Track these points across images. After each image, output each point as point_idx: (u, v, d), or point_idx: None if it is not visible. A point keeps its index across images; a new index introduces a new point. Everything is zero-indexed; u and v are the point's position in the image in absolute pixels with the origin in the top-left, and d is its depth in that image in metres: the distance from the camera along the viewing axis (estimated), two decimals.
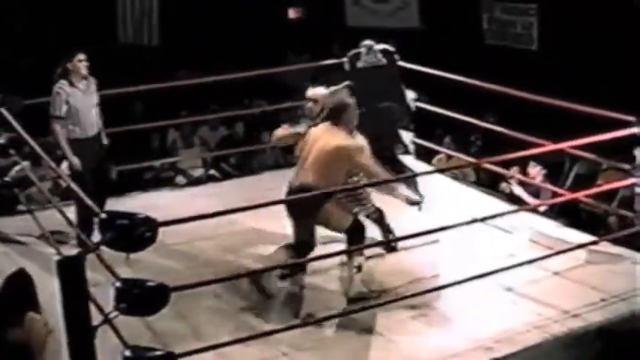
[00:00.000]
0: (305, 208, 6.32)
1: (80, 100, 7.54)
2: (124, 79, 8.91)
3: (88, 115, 7.60)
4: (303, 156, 6.58)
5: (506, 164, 8.45)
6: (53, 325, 5.17)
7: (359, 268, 6.39)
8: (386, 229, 7.20)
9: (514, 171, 8.82)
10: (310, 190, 6.23)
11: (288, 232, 7.02)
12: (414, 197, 8.25)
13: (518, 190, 8.58)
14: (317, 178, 6.33)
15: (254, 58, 11.50)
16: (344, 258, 6.55)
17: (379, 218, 7.24)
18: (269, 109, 11.86)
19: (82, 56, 7.57)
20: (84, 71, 7.57)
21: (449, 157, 10.07)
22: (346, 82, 8.69)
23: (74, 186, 6.02)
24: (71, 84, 7.51)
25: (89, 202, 5.71)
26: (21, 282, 5.29)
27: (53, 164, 6.83)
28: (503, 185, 8.76)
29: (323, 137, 6.47)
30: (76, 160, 7.33)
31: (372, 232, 6.97)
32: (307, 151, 6.52)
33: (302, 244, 6.41)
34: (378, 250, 7.07)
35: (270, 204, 5.86)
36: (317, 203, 6.30)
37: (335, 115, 6.59)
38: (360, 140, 6.69)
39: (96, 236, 5.91)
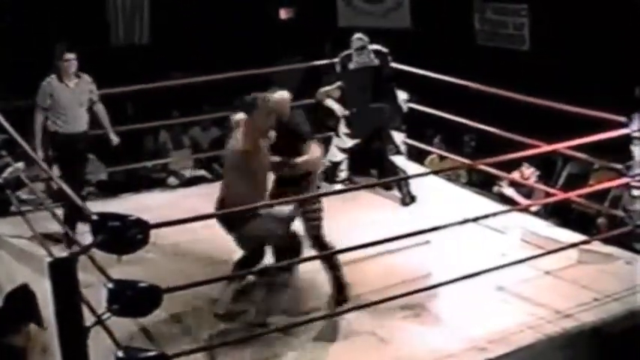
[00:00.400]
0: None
1: (67, 97, 7.64)
2: (115, 80, 8.89)
3: (75, 112, 7.68)
4: None
5: (505, 167, 8.44)
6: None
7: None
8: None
9: (517, 174, 8.80)
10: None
11: None
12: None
13: (510, 192, 8.59)
14: None
15: (245, 59, 11.46)
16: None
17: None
18: None
19: (69, 55, 7.62)
20: (71, 70, 7.62)
21: (441, 157, 10.07)
22: (338, 83, 8.73)
23: (65, 186, 5.98)
24: (60, 80, 7.59)
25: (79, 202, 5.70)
26: (21, 297, 5.28)
27: (44, 165, 6.81)
28: (496, 189, 8.76)
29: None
30: (40, 153, 7.37)
31: None
32: None
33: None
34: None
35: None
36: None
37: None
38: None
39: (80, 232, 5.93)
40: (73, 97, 7.67)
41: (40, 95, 7.64)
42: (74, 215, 7.26)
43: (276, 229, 6.04)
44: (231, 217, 5.93)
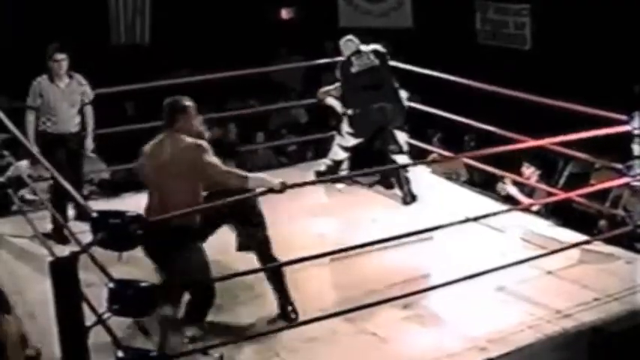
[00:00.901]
0: None
1: (57, 97, 7.65)
2: (115, 79, 8.91)
3: (65, 113, 7.70)
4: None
5: (505, 167, 8.43)
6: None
7: None
8: None
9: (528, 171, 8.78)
10: None
11: (281, 231, 7.07)
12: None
13: (513, 191, 8.59)
14: None
15: (246, 58, 11.48)
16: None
17: None
18: (261, 109, 11.86)
19: (59, 56, 7.63)
20: (62, 71, 7.63)
21: (443, 156, 10.04)
22: (338, 83, 8.74)
23: (65, 184, 5.98)
24: (51, 80, 7.61)
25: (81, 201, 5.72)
26: None
27: (48, 164, 6.82)
28: (499, 186, 8.75)
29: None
30: (35, 149, 7.33)
31: None
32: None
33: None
34: None
35: None
36: None
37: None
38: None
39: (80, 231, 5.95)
40: (63, 98, 7.67)
41: (30, 95, 7.65)
42: (62, 206, 7.31)
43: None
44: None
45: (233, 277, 5.88)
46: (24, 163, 8.78)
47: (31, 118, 7.63)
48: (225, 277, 5.87)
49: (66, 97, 7.69)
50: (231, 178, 5.50)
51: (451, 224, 6.22)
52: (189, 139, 5.53)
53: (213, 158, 5.47)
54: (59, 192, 6.82)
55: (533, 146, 7.41)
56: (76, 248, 5.09)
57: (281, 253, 6.51)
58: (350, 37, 8.75)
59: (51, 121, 7.65)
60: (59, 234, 7.30)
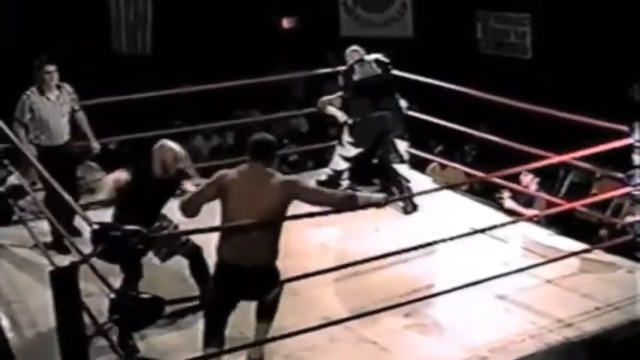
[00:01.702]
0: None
1: (48, 109, 7.62)
2: (117, 88, 8.92)
3: (57, 124, 7.67)
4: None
5: (507, 177, 8.43)
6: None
7: None
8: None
9: (526, 179, 8.77)
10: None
11: (283, 240, 7.05)
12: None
13: (511, 204, 8.59)
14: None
15: (248, 68, 11.48)
16: None
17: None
18: (262, 119, 11.87)
19: (50, 67, 7.60)
20: (53, 82, 7.62)
21: (443, 166, 10.06)
22: (339, 93, 8.75)
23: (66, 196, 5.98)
24: (41, 92, 7.58)
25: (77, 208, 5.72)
26: None
27: (47, 173, 6.82)
28: (497, 198, 8.76)
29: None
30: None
31: None
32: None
33: None
34: None
35: None
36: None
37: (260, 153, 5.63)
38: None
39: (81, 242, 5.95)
40: (54, 110, 7.64)
41: (18, 109, 7.55)
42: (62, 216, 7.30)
43: None
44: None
45: None
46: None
47: (21, 133, 7.51)
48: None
49: (57, 109, 7.65)
50: (342, 200, 5.56)
51: (456, 237, 6.21)
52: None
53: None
54: (58, 203, 6.80)
55: (538, 166, 7.40)
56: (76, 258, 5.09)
57: (283, 262, 6.51)
58: (355, 47, 8.78)
59: (45, 134, 7.60)
60: (59, 244, 7.29)
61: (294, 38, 15.45)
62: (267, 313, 5.58)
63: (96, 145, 8.04)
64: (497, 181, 8.45)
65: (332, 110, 8.85)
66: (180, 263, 6.48)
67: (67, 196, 5.78)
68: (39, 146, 7.59)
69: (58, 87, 7.68)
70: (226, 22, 14.60)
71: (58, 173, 6.99)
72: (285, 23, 15.94)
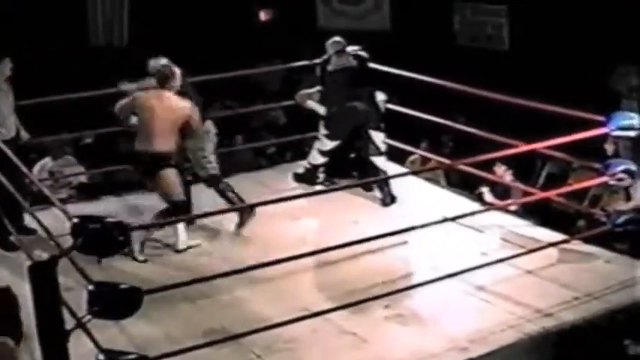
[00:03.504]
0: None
1: (3, 100, 7.56)
2: (95, 81, 8.87)
3: (10, 116, 7.62)
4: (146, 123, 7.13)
5: (483, 167, 8.47)
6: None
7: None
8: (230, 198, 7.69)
9: (499, 170, 8.81)
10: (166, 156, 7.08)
11: (261, 233, 7.08)
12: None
13: (490, 198, 8.64)
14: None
15: (225, 60, 11.45)
16: None
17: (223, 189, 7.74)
18: (240, 112, 11.84)
19: (6, 60, 7.57)
20: (8, 73, 7.58)
21: (423, 158, 10.08)
22: (318, 87, 8.75)
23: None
24: None
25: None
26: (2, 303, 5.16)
27: (24, 168, 6.80)
28: (476, 192, 8.80)
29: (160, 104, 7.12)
30: None
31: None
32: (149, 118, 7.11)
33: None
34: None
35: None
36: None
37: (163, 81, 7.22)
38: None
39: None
40: (8, 101, 7.62)
41: None
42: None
43: None
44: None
45: (213, 278, 5.86)
46: (47, 161, 8.93)
47: None
48: (206, 279, 5.86)
49: (8, 101, 7.63)
50: None
51: (430, 224, 6.24)
52: None
53: None
54: (9, 200, 6.79)
55: (513, 153, 7.44)
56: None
57: (261, 255, 6.52)
58: (337, 38, 8.78)
59: (3, 126, 7.56)
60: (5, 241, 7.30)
61: (272, 30, 15.43)
62: None
63: (25, 136, 7.98)
64: (474, 172, 8.48)
65: (311, 104, 8.84)
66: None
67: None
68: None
69: (8, 81, 7.65)
70: (203, 14, 14.55)
71: (9, 168, 6.93)
72: (263, 15, 15.92)
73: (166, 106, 7.12)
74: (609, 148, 7.43)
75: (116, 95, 7.64)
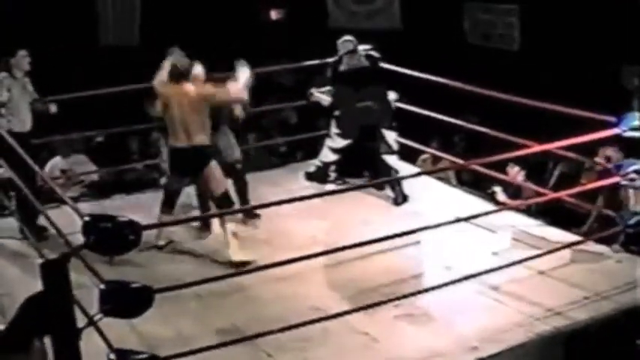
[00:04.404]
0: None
1: (20, 93, 7.63)
2: (105, 80, 8.89)
3: (25, 110, 7.68)
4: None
5: (495, 167, 8.45)
6: None
7: (235, 234, 7.04)
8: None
9: (513, 171, 8.80)
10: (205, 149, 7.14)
11: (268, 233, 7.09)
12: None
13: (503, 198, 8.63)
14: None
15: (235, 59, 11.47)
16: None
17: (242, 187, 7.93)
18: (251, 111, 11.83)
19: (24, 52, 7.66)
20: (26, 67, 7.67)
21: (434, 157, 10.07)
22: (328, 87, 8.76)
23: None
24: (13, 77, 7.60)
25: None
26: (38, 307, 5.13)
27: (37, 167, 6.82)
28: (489, 192, 8.79)
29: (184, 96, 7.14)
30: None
31: None
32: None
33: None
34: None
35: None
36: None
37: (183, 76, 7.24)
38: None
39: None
40: (24, 95, 7.70)
41: None
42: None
43: None
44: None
45: (224, 277, 5.87)
46: (58, 160, 8.96)
47: None
48: (217, 278, 5.87)
49: (25, 94, 7.73)
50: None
51: (443, 224, 6.23)
52: None
53: None
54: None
55: (526, 154, 7.43)
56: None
57: (273, 255, 6.52)
58: (348, 37, 8.77)
59: (17, 117, 7.63)
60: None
61: (282, 30, 15.43)
62: None
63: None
64: (485, 171, 8.47)
65: (317, 96, 8.84)
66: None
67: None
68: (11, 132, 7.49)
69: (26, 74, 7.72)
70: (214, 13, 14.56)
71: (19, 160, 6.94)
72: (273, 15, 15.92)
73: (192, 98, 7.15)
74: (614, 156, 7.46)
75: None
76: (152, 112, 7.51)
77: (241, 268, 6.67)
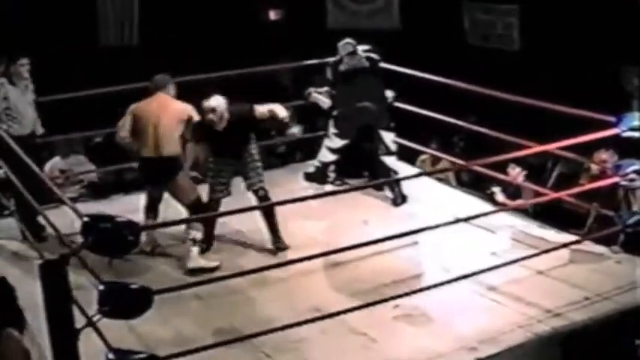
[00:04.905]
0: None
1: (19, 98, 7.59)
2: (104, 81, 8.89)
3: (26, 113, 7.62)
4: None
5: (495, 168, 8.45)
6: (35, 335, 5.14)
7: (194, 241, 6.98)
8: None
9: (514, 172, 8.80)
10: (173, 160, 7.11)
11: (267, 234, 7.09)
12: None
13: (502, 198, 8.62)
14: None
15: (235, 60, 11.46)
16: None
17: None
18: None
19: (24, 60, 7.64)
20: (25, 75, 7.66)
21: (433, 157, 10.07)
22: (326, 88, 8.76)
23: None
24: (11, 83, 7.58)
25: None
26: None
27: (36, 168, 6.80)
28: (488, 192, 8.79)
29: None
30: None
31: None
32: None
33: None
34: None
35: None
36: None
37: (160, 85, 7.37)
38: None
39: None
40: (23, 98, 7.66)
41: None
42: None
43: None
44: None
45: (223, 278, 5.87)
46: (57, 160, 8.93)
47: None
48: (216, 279, 5.87)
49: (24, 97, 7.69)
50: None
51: (441, 225, 6.22)
52: None
53: None
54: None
55: (526, 154, 7.42)
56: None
57: (273, 256, 6.52)
58: (348, 39, 8.78)
59: (17, 122, 7.59)
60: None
61: (281, 30, 15.42)
62: None
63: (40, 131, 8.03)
64: (485, 172, 8.47)
65: (316, 97, 8.85)
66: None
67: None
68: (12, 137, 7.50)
69: (25, 79, 7.71)
70: (213, 13, 14.55)
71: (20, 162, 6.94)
72: (272, 15, 15.90)
73: (169, 110, 7.18)
74: (609, 159, 7.47)
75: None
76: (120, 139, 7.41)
77: (200, 275, 6.73)
